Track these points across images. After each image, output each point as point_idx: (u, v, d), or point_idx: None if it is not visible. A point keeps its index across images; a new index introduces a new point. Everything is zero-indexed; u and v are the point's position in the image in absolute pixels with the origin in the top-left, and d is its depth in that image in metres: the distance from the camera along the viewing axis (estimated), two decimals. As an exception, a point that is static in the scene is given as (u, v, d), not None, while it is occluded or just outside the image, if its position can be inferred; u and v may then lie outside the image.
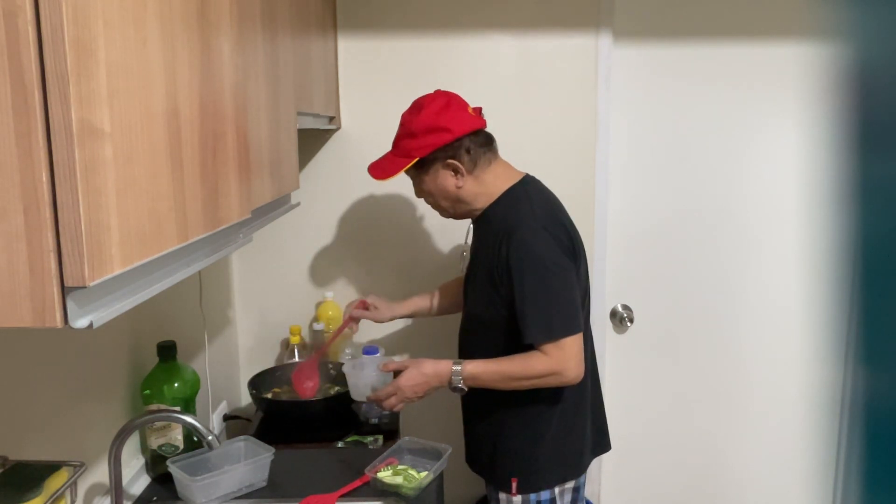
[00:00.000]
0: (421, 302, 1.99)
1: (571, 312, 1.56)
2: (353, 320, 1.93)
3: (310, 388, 1.97)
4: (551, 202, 1.67)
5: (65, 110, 0.61)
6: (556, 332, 1.53)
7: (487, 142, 1.67)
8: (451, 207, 1.70)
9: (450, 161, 1.62)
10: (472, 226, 1.76)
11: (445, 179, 1.64)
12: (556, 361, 1.53)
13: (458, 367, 1.57)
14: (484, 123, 1.67)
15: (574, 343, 1.55)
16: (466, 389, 1.58)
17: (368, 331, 2.28)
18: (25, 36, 0.59)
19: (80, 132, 0.63)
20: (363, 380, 1.72)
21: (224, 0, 1.03)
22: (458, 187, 1.64)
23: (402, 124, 1.67)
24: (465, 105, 1.66)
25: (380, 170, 1.67)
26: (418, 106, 1.65)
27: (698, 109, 2.31)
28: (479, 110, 1.68)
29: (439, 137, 1.60)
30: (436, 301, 1.98)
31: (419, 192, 1.73)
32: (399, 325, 2.33)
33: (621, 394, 2.42)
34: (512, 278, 1.56)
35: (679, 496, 2.51)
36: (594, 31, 2.22)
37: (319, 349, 2.05)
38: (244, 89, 1.13)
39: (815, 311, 2.30)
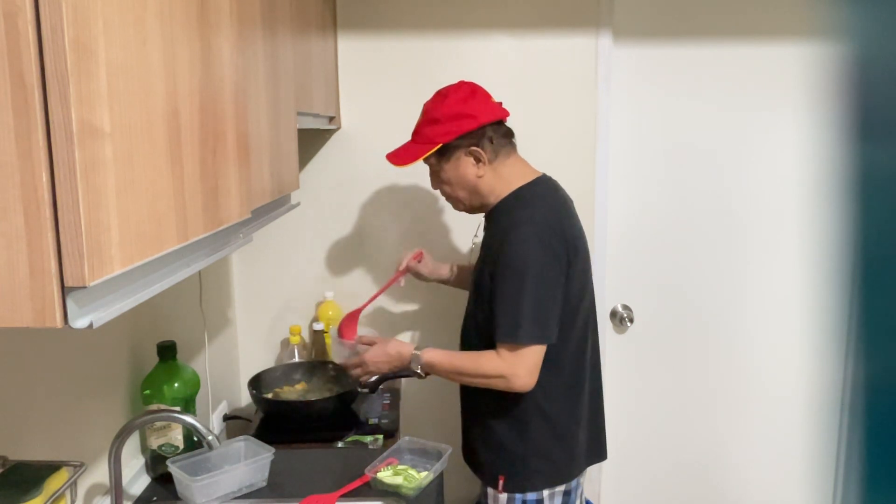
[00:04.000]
0: (460, 271, 2.01)
1: (542, 323, 1.54)
2: (405, 272, 1.97)
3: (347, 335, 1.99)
4: (557, 207, 1.64)
5: (65, 110, 0.61)
6: (519, 338, 1.53)
7: (508, 135, 1.68)
8: (467, 198, 1.69)
9: (473, 148, 1.62)
10: (483, 221, 1.76)
11: (466, 167, 1.64)
12: (507, 365, 1.53)
13: (418, 353, 1.65)
14: (507, 114, 1.68)
15: (533, 353, 1.54)
16: (424, 375, 1.67)
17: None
18: (25, 36, 0.59)
19: (80, 132, 0.62)
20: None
21: (224, 0, 1.03)
22: (479, 177, 1.64)
23: (424, 112, 1.67)
24: (489, 95, 1.67)
25: (399, 157, 1.67)
26: (443, 94, 1.65)
27: (698, 109, 2.31)
28: (500, 104, 1.69)
29: (464, 124, 1.61)
30: None
31: (436, 182, 1.72)
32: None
33: (621, 394, 2.42)
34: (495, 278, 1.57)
35: (679, 495, 2.51)
36: (594, 31, 2.22)
37: (367, 301, 2.03)
38: (244, 89, 1.13)
39: (816, 309, 2.30)
